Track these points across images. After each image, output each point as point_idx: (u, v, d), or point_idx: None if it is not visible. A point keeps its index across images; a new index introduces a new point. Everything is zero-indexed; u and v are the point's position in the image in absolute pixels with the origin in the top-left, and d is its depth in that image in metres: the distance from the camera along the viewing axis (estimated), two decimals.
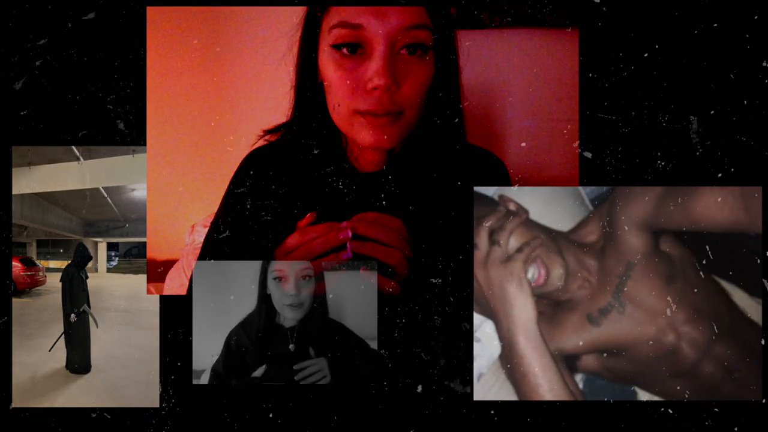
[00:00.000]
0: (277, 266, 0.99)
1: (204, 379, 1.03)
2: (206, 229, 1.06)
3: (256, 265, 1.01)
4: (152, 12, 1.28)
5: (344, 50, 0.83)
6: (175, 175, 1.43)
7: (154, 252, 1.36)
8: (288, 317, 1.00)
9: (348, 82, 0.83)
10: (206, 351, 1.03)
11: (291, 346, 1.00)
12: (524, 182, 1.08)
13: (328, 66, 0.86)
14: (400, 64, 0.83)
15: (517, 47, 1.42)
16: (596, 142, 1.07)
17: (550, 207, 1.05)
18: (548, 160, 1.29)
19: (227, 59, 1.50)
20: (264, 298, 1.01)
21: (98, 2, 1.06)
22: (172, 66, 1.39)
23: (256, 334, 1.00)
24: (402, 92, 0.83)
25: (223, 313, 1.04)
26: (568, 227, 1.05)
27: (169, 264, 1.42)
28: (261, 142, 1.03)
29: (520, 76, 1.48)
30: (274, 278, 0.99)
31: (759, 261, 1.00)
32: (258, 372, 1.00)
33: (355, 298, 1.02)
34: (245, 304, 1.02)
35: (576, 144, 1.08)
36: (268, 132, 1.01)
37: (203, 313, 1.05)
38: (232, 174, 1.06)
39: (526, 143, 1.40)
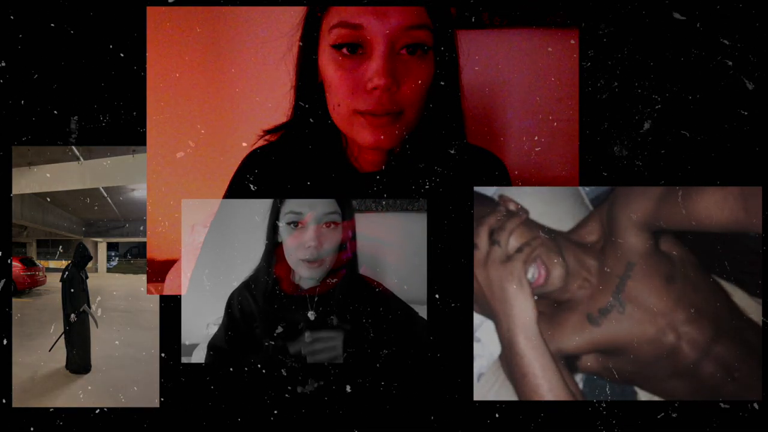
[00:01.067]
0: (294, 206, 0.83)
1: (198, 357, 0.91)
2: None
3: (265, 204, 0.86)
4: (152, 12, 1.28)
5: (344, 50, 0.83)
6: (175, 175, 1.43)
7: (154, 252, 1.35)
8: (304, 276, 0.85)
9: (348, 81, 0.83)
10: (200, 320, 0.91)
11: (310, 314, 0.85)
12: (524, 182, 1.08)
13: (328, 66, 0.86)
14: (400, 63, 0.83)
15: (517, 47, 1.42)
16: (596, 143, 1.07)
17: (550, 207, 1.05)
18: (548, 160, 1.29)
19: (227, 59, 1.50)
20: (274, 248, 0.86)
21: (98, 2, 1.06)
22: (172, 66, 1.38)
23: (264, 295, 0.85)
24: (402, 92, 0.83)
25: (222, 268, 0.90)
26: (568, 227, 1.05)
27: (169, 264, 1.42)
28: (261, 142, 1.03)
29: (520, 75, 1.48)
30: (289, 223, 0.83)
31: (759, 261, 1.00)
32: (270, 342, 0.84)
33: (396, 247, 0.89)
34: (250, 256, 0.87)
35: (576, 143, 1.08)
36: (268, 132, 1.01)
37: (196, 268, 0.91)
38: (232, 174, 1.06)
39: (527, 143, 1.39)
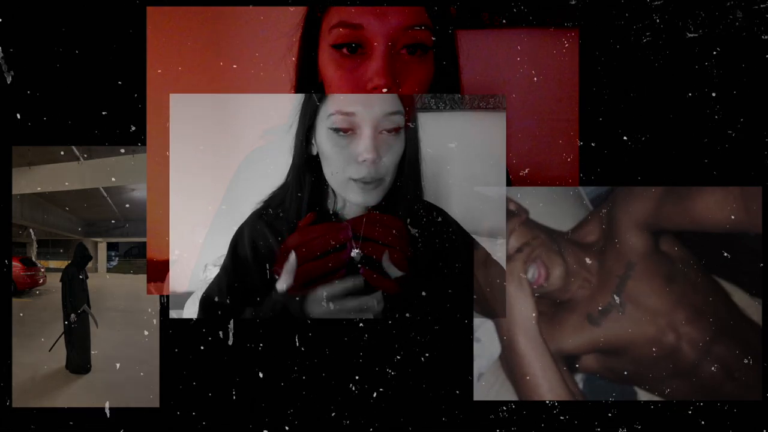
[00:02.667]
0: (342, 104, 0.70)
1: (189, 311, 0.80)
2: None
3: (291, 100, 0.72)
4: (152, 12, 1.28)
5: (344, 50, 0.83)
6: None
7: (154, 252, 1.35)
8: (353, 200, 0.73)
9: (348, 81, 0.83)
10: (195, 260, 0.82)
11: (355, 251, 0.74)
12: (524, 182, 1.08)
13: (328, 66, 0.86)
14: (400, 63, 0.83)
15: (517, 47, 1.42)
16: (596, 143, 1.07)
17: (550, 207, 1.05)
18: (548, 160, 1.28)
19: (227, 59, 1.50)
20: (306, 164, 0.75)
21: (98, 2, 1.06)
22: (172, 66, 1.38)
23: (291, 226, 0.73)
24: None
25: (230, 189, 0.74)
26: (568, 227, 1.05)
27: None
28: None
29: (520, 75, 1.48)
30: (334, 129, 0.72)
31: (759, 261, 1.00)
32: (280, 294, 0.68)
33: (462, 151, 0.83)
34: (267, 173, 0.73)
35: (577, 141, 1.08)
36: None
37: (190, 188, 0.76)
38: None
39: (527, 144, 1.40)
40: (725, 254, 0.98)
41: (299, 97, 0.82)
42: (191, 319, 0.96)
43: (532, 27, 1.24)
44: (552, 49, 1.36)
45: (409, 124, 0.78)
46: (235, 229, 0.80)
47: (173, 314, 1.01)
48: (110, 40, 1.07)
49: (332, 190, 0.79)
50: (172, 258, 1.01)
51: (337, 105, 0.74)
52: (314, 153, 0.77)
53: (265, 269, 0.75)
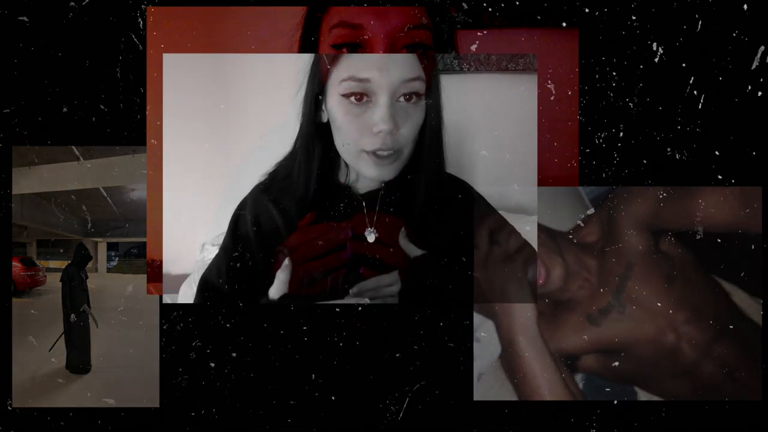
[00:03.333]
0: (356, 68, 0.64)
1: (185, 296, 0.73)
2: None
3: (300, 62, 0.64)
4: (152, 12, 1.27)
5: (344, 50, 0.83)
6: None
7: (154, 252, 1.35)
8: (367, 174, 0.67)
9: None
10: (192, 236, 0.77)
11: (370, 232, 0.69)
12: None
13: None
14: None
15: (517, 48, 1.41)
16: (597, 142, 1.07)
17: (550, 207, 1.05)
18: (548, 160, 1.28)
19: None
20: (315, 132, 0.69)
21: (99, 2, 1.06)
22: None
23: (299, 201, 0.68)
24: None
25: (230, 157, 0.69)
26: (568, 227, 1.05)
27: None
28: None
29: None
30: (348, 95, 0.66)
31: (759, 261, 1.00)
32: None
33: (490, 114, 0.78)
34: (271, 140, 0.66)
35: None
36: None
37: (182, 154, 0.68)
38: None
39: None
40: (721, 252, 0.99)
41: (306, 59, 0.76)
42: (190, 320, 0.94)
43: (532, 27, 1.24)
44: (552, 49, 1.36)
45: (428, 100, 0.73)
46: (237, 203, 0.75)
47: (167, 299, 0.92)
48: (110, 40, 1.07)
49: (344, 161, 0.74)
50: (165, 231, 0.95)
51: (350, 70, 0.69)
52: (324, 120, 0.72)
53: (268, 249, 0.70)
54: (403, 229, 0.71)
